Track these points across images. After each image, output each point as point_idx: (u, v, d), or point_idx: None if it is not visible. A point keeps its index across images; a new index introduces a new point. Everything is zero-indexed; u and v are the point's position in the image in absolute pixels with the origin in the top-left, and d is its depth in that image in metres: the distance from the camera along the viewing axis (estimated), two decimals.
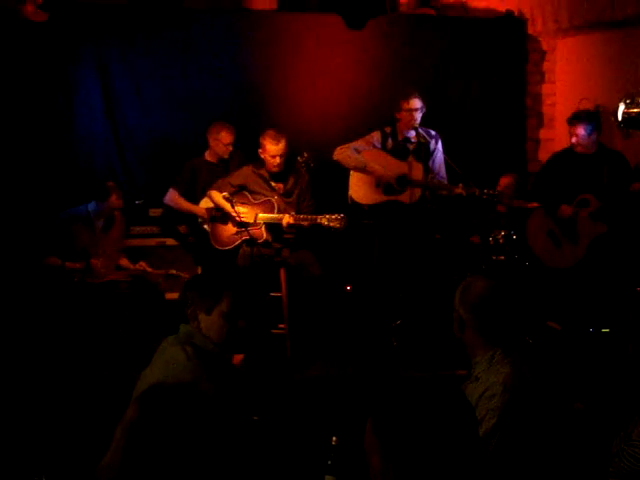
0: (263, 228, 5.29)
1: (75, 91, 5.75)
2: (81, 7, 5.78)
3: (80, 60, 5.75)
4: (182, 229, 5.78)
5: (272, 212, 5.30)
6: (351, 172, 5.56)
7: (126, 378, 3.49)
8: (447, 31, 6.51)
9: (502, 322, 2.60)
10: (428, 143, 5.48)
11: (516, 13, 6.62)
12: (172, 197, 5.62)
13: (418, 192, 5.41)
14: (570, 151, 5.49)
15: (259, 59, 6.09)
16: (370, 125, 5.74)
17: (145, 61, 5.90)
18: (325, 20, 6.24)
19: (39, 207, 5.49)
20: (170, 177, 5.68)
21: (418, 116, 5.41)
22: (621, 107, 5.68)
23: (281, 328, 5.30)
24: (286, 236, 5.39)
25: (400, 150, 5.53)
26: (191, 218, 5.63)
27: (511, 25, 6.60)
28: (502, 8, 6.71)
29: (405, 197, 5.42)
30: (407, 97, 5.40)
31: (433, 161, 5.53)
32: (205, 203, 5.52)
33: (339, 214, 5.15)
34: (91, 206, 5.37)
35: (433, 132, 5.55)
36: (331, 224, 5.13)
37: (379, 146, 5.57)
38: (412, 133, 5.51)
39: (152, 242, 5.78)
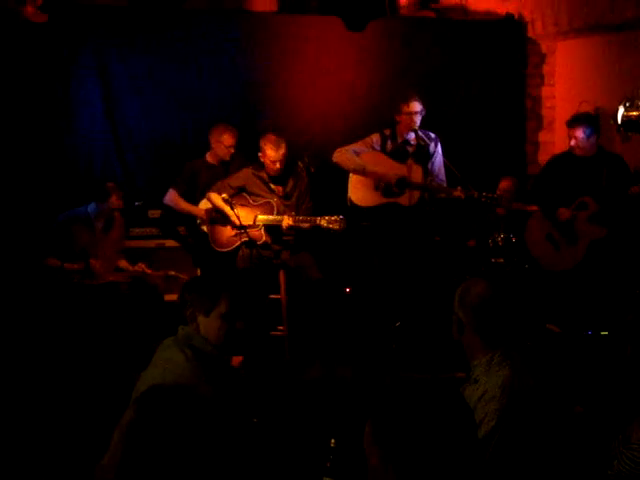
0: (262, 230, 5.30)
1: (75, 92, 5.75)
2: (81, 8, 5.79)
3: (80, 61, 5.74)
4: (181, 230, 5.78)
5: (271, 214, 5.31)
6: (350, 174, 5.56)
7: (125, 379, 3.49)
8: (447, 34, 6.51)
9: (501, 324, 2.60)
10: (427, 146, 5.48)
11: (516, 16, 6.62)
12: (171, 197, 5.62)
13: (417, 194, 5.41)
14: (569, 154, 5.49)
15: (259, 61, 6.09)
16: (370, 127, 5.74)
17: (145, 62, 5.90)
18: (325, 22, 6.24)
19: (39, 208, 5.49)
20: (170, 178, 5.68)
21: (418, 119, 5.41)
22: (620, 110, 5.68)
23: (280, 330, 5.30)
24: (285, 238, 5.39)
25: (399, 152, 5.53)
26: (190, 219, 5.63)
27: (511, 28, 6.60)
28: (502, 11, 6.72)
29: (404, 199, 5.42)
30: (407, 100, 5.41)
31: (432, 164, 5.53)
32: (204, 204, 5.52)
33: (338, 216, 5.15)
34: (91, 207, 5.37)
35: (432, 134, 5.55)
36: (330, 226, 5.13)
37: (378, 148, 5.57)
38: (411, 136, 5.51)
39: (151, 244, 5.78)
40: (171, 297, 5.24)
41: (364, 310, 5.53)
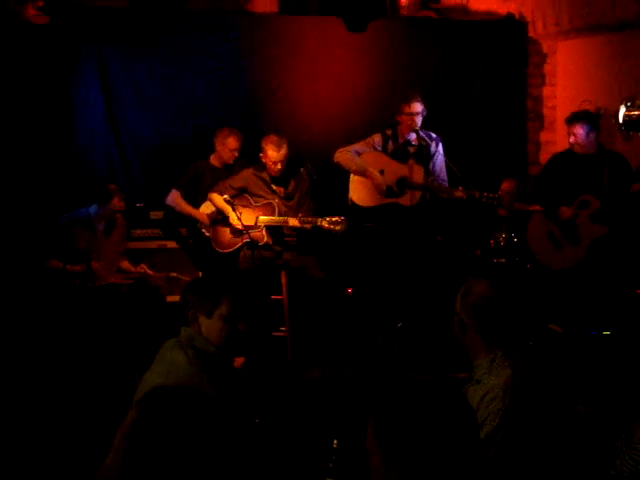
0: (264, 231, 5.30)
1: (76, 93, 5.75)
2: (82, 10, 5.79)
3: (81, 63, 5.75)
4: (183, 232, 5.78)
5: (273, 215, 5.31)
6: (351, 174, 5.56)
7: (127, 381, 3.49)
8: (448, 34, 6.51)
9: (503, 325, 2.59)
10: (429, 146, 5.49)
11: (517, 16, 6.62)
12: (174, 198, 5.62)
13: (418, 195, 5.41)
14: (570, 152, 5.48)
15: (260, 61, 6.10)
16: (371, 128, 5.74)
17: (146, 64, 5.90)
18: (326, 23, 6.25)
19: (40, 210, 5.49)
20: (171, 179, 5.68)
21: (419, 119, 5.41)
22: (622, 110, 5.68)
23: (282, 331, 5.31)
24: (286, 239, 5.39)
25: (401, 153, 5.54)
26: (191, 221, 5.63)
27: (512, 28, 6.60)
28: (503, 11, 6.71)
29: (405, 200, 5.42)
30: (408, 101, 5.41)
31: (434, 164, 5.53)
32: (206, 207, 5.52)
33: (339, 216, 5.15)
34: (92, 209, 5.37)
35: (434, 135, 5.55)
36: (331, 227, 5.13)
37: (380, 149, 5.58)
38: (413, 136, 5.51)
39: (153, 245, 5.78)
40: (173, 298, 5.25)
41: (366, 310, 5.53)
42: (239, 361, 3.40)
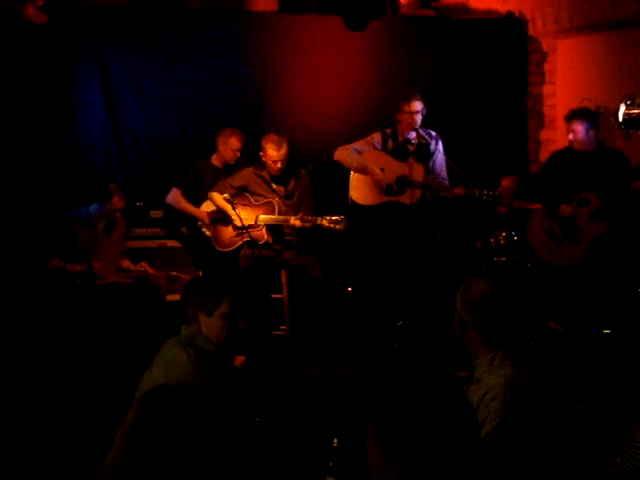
0: (264, 230, 5.30)
1: (76, 93, 5.76)
2: (81, 9, 5.79)
3: (81, 62, 5.75)
4: (184, 230, 5.78)
5: (273, 214, 5.31)
6: (351, 173, 5.56)
7: (128, 380, 3.49)
8: (448, 32, 6.51)
9: (503, 323, 2.59)
10: (428, 144, 5.48)
11: (517, 14, 6.62)
12: (174, 196, 5.62)
13: (418, 193, 5.40)
14: (569, 150, 5.49)
15: (259, 60, 6.10)
16: (371, 126, 5.74)
17: (146, 62, 5.91)
18: (326, 21, 6.25)
19: (40, 209, 5.49)
20: (171, 178, 5.68)
21: (419, 118, 5.41)
22: (622, 108, 5.66)
23: (282, 330, 5.31)
24: (287, 238, 5.39)
25: (401, 151, 5.53)
26: (192, 220, 5.63)
27: (512, 26, 6.60)
28: (503, 9, 6.71)
29: (405, 198, 5.41)
30: (408, 99, 5.41)
31: (434, 162, 5.53)
32: (206, 207, 5.52)
33: (339, 215, 5.15)
34: (93, 208, 5.37)
35: (433, 133, 5.55)
36: (331, 225, 5.14)
37: (379, 147, 5.58)
38: (412, 134, 5.51)
39: (153, 244, 5.78)
40: (173, 297, 5.25)
41: (366, 309, 5.53)
42: (239, 360, 3.41)
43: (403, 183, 5.43)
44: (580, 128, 5.31)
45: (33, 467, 3.36)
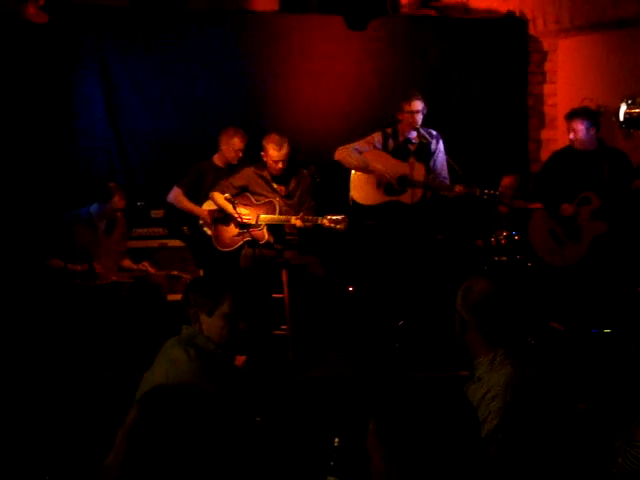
0: (265, 229, 5.30)
1: (76, 92, 5.76)
2: (82, 9, 5.79)
3: (81, 62, 5.75)
4: (185, 230, 5.78)
5: (274, 213, 5.31)
6: (352, 173, 5.56)
7: (128, 379, 3.49)
8: (448, 32, 6.51)
9: (504, 323, 2.59)
10: (429, 143, 5.48)
11: (517, 13, 6.62)
12: (175, 195, 5.62)
13: (419, 192, 5.41)
14: (570, 149, 5.48)
15: (260, 60, 6.10)
16: (371, 126, 5.74)
17: (146, 62, 5.91)
18: (327, 21, 6.25)
19: (41, 209, 5.49)
20: (171, 177, 5.68)
21: (419, 118, 5.41)
22: (623, 107, 5.67)
23: (283, 329, 5.31)
24: (287, 237, 5.39)
25: (401, 151, 5.53)
26: (193, 219, 5.64)
27: (512, 26, 6.60)
28: (503, 9, 6.71)
29: (406, 198, 5.41)
30: (409, 99, 5.41)
31: (434, 161, 5.53)
32: (207, 206, 5.53)
33: (340, 215, 5.16)
34: (93, 208, 5.37)
35: (434, 132, 5.55)
36: (332, 225, 5.14)
37: (380, 147, 5.58)
38: (413, 134, 5.51)
39: (154, 243, 5.78)
40: (174, 297, 5.24)
41: (367, 309, 5.53)
42: (240, 360, 3.40)
43: (404, 183, 5.43)
44: (581, 127, 5.31)
45: (34, 467, 3.36)
